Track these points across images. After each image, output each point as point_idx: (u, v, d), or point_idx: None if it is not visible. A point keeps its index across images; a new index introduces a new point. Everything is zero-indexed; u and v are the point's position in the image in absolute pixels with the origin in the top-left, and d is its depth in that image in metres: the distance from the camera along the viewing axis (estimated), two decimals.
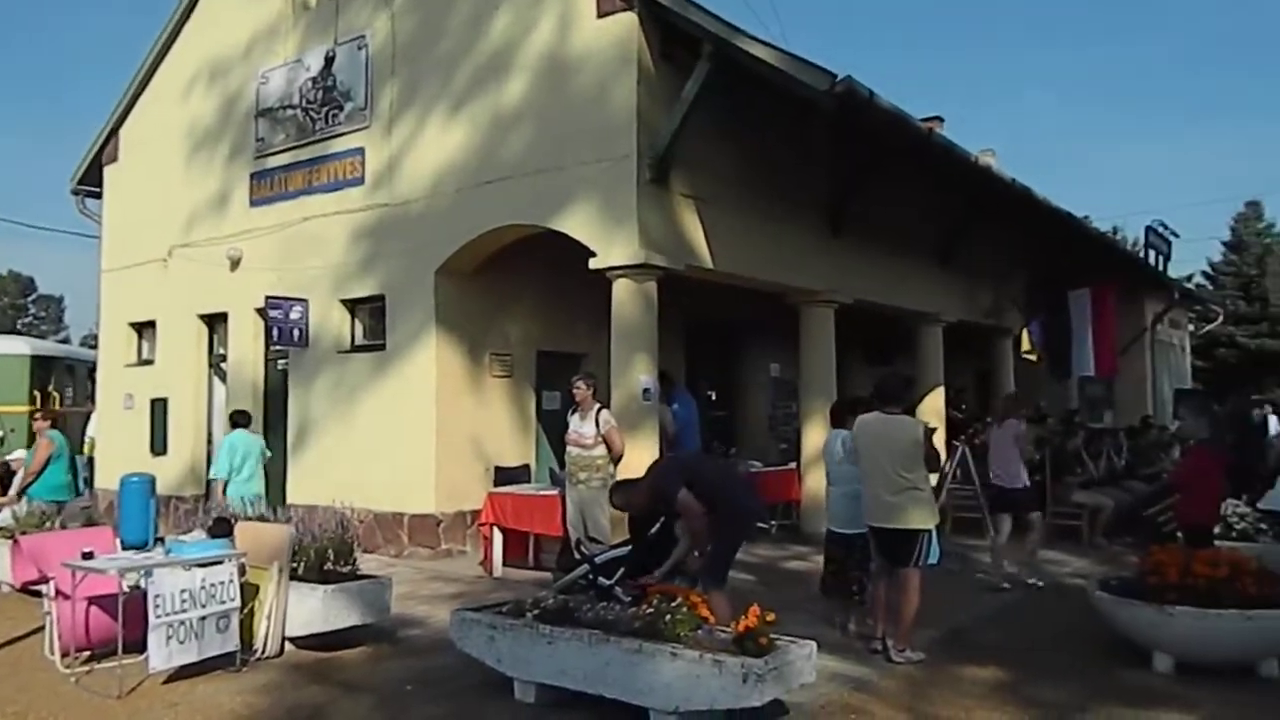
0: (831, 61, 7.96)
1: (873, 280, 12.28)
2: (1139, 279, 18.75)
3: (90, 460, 14.50)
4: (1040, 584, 8.59)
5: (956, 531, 11.03)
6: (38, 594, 6.79)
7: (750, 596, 5.76)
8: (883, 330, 15.41)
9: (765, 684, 4.59)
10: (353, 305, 11.09)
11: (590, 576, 5.93)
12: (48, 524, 8.30)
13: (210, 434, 12.84)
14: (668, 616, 4.92)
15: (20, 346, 18.86)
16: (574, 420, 8.25)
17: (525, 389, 11.10)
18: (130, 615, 5.64)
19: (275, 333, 11.01)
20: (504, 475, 10.15)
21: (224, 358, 12.60)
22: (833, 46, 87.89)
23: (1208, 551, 6.31)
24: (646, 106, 8.86)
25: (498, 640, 5.38)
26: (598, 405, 8.18)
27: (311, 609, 6.26)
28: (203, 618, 5.69)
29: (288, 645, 6.30)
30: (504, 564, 9.25)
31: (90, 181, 14.40)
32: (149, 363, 13.49)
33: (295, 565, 6.42)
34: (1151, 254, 18.94)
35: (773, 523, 11.41)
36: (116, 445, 13.46)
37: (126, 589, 5.83)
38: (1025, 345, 15.17)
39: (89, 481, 14.13)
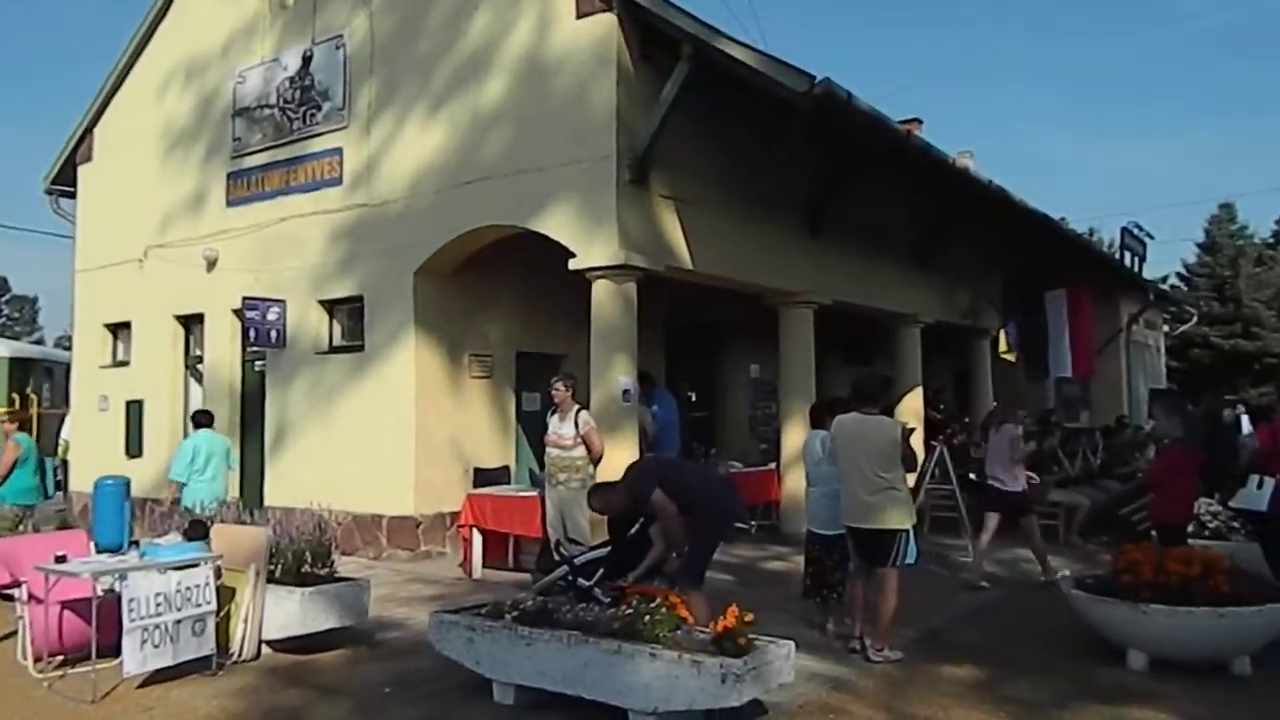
0: (811, 63, 8.06)
1: (851, 281, 12.34)
2: (1115, 280, 18.95)
3: (65, 463, 14.35)
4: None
5: (934, 531, 11.13)
6: (10, 598, 6.71)
7: (729, 597, 5.78)
8: (861, 331, 15.50)
9: (744, 684, 4.61)
10: (331, 306, 11.03)
11: (569, 578, 5.93)
12: (20, 527, 8.20)
13: (186, 436, 12.71)
14: (647, 617, 4.92)
15: None
16: (553, 421, 8.24)
17: (505, 390, 11.08)
18: (104, 619, 5.58)
19: (252, 334, 10.94)
20: (483, 477, 10.13)
21: (200, 359, 12.50)
22: (813, 48, 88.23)
23: (1181, 550, 6.38)
24: (626, 107, 8.87)
25: (477, 642, 5.36)
26: (577, 406, 8.18)
27: (289, 612, 6.21)
28: (178, 621, 5.64)
29: (265, 648, 6.25)
30: (483, 565, 9.23)
31: (64, 181, 14.26)
32: (124, 364, 13.36)
33: (272, 568, 6.37)
34: (1127, 255, 19.14)
35: (752, 523, 11.42)
36: (91, 447, 13.32)
37: (100, 592, 5.78)
38: (1003, 346, 15.30)
39: (61, 484, 13.99)
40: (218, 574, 6.06)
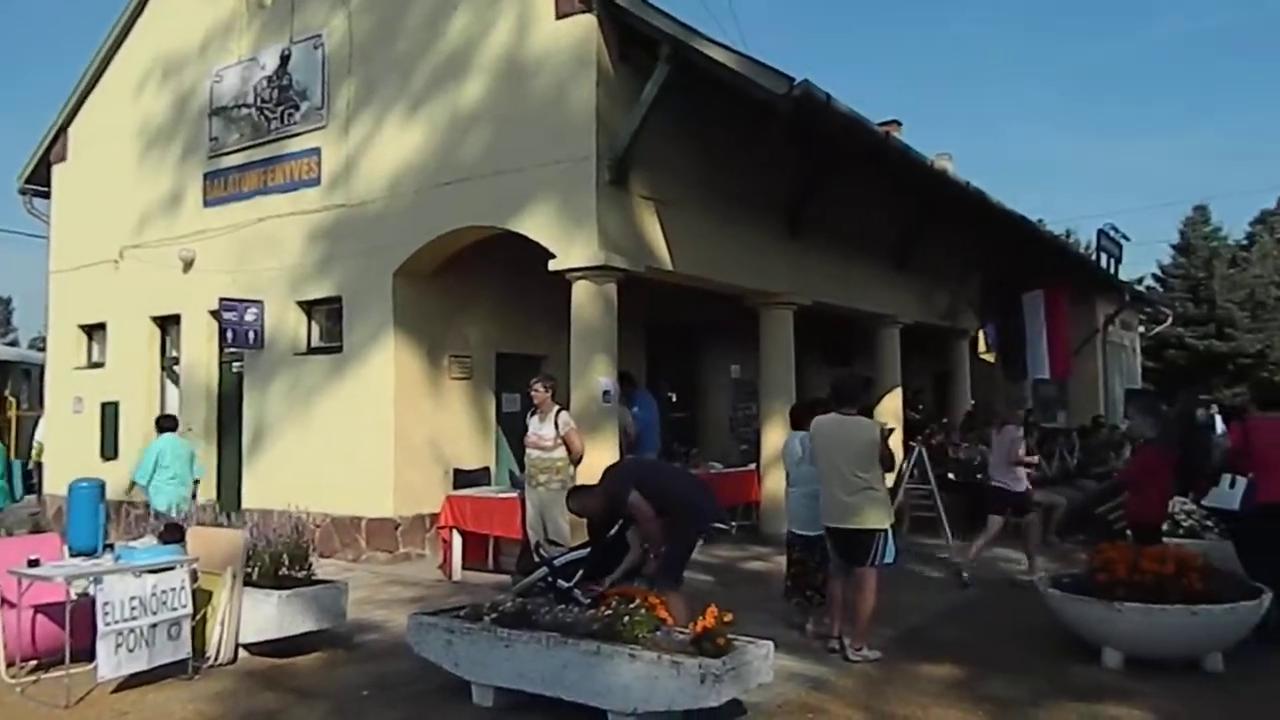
0: (798, 64, 8.11)
1: (831, 282, 12.39)
2: (1091, 281, 19.10)
3: (39, 465, 14.19)
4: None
5: (913, 531, 11.19)
6: None
7: (709, 597, 5.78)
8: (841, 332, 15.57)
9: (723, 684, 4.61)
10: (309, 307, 10.97)
11: (549, 579, 5.93)
12: None
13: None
14: (626, 618, 4.92)
15: None
16: (533, 422, 8.23)
17: (485, 391, 11.05)
18: (78, 623, 5.52)
19: (230, 335, 10.86)
20: (463, 478, 10.10)
21: (177, 360, 12.39)
22: (801, 48, 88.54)
23: (1155, 548, 6.43)
24: (605, 108, 8.87)
25: (455, 644, 5.34)
26: (557, 407, 8.17)
27: (266, 615, 6.17)
28: (153, 625, 5.58)
29: (241, 652, 6.20)
30: (463, 567, 9.21)
31: (38, 181, 14.10)
32: (99, 366, 13.23)
33: (249, 571, 6.32)
34: (1103, 257, 19.27)
35: (732, 524, 11.44)
36: (66, 450, 13.19)
37: (74, 596, 5.72)
38: (982, 347, 15.39)
39: (33, 487, 13.83)
40: (194, 577, 6.01)
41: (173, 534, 6.58)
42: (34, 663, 5.94)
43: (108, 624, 5.39)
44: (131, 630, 5.48)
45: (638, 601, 5.12)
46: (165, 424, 10.05)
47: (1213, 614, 5.80)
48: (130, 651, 5.48)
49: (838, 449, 6.25)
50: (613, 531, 6.17)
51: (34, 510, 13.18)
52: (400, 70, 10.19)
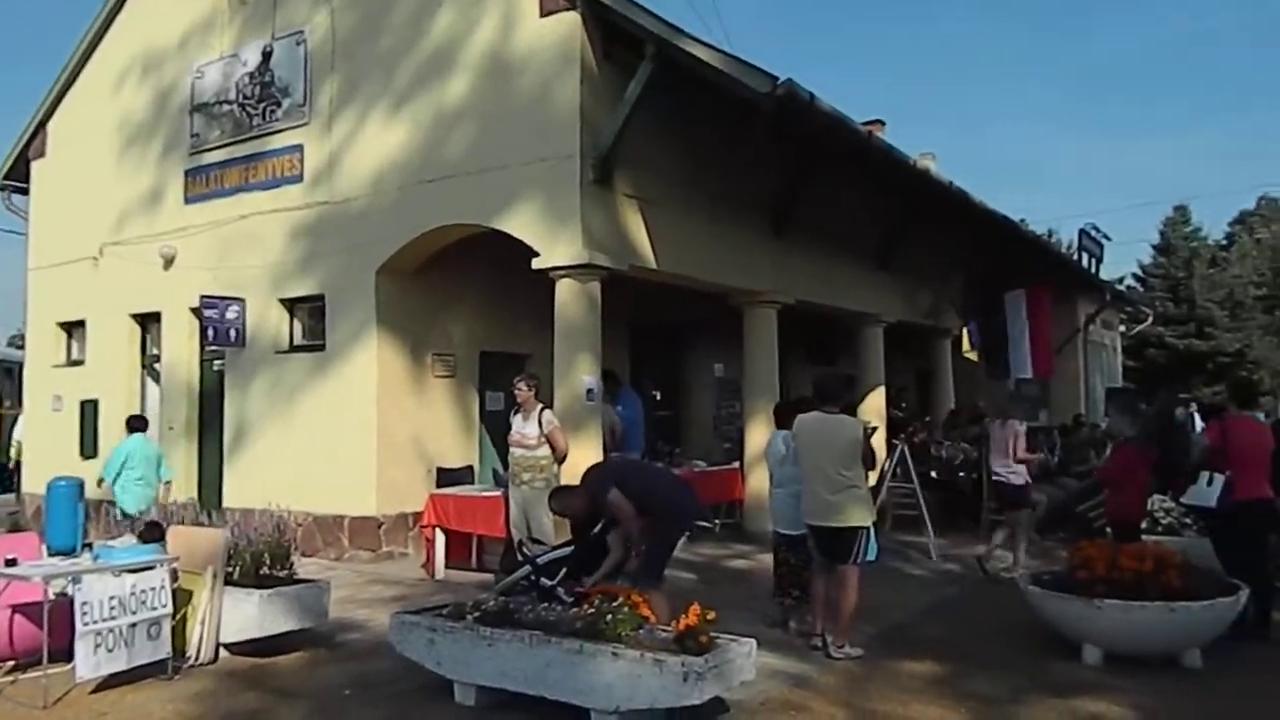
0: (778, 64, 8.13)
1: (815, 281, 12.43)
2: (1072, 281, 19.23)
3: (18, 464, 14.07)
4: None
5: (895, 528, 11.24)
6: None
7: (692, 595, 5.79)
8: (825, 331, 15.61)
9: (705, 682, 4.62)
10: (291, 305, 10.91)
11: (532, 577, 5.92)
12: None
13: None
14: (609, 616, 4.92)
15: None
16: (516, 421, 8.21)
17: (468, 389, 11.02)
18: (56, 623, 5.48)
19: (211, 333, 10.78)
20: (447, 476, 10.07)
21: (158, 358, 12.31)
22: (791, 47, 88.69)
23: (1134, 546, 6.48)
24: (590, 106, 8.86)
25: (438, 643, 5.33)
26: (540, 405, 8.15)
27: (247, 614, 6.14)
28: (133, 625, 5.55)
29: (222, 651, 6.16)
30: (446, 566, 9.19)
31: (17, 177, 13.99)
32: (79, 363, 13.11)
33: (230, 570, 6.28)
34: (1084, 256, 19.42)
35: (716, 522, 11.48)
36: (45, 448, 13.07)
37: (53, 596, 5.67)
38: (966, 346, 15.45)
39: (11, 486, 13.73)
40: (174, 576, 5.97)
41: (153, 533, 6.54)
42: (11, 663, 5.89)
43: (86, 624, 5.34)
44: (110, 630, 5.44)
45: (621, 600, 5.12)
46: (135, 424, 10.01)
47: (1191, 611, 5.86)
48: (109, 651, 5.44)
49: (821, 447, 6.27)
50: (595, 530, 6.17)
51: (13, 509, 13.07)
52: (384, 67, 10.15)
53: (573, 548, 6.30)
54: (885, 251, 14.26)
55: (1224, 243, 43.92)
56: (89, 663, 5.37)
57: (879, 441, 10.50)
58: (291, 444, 10.46)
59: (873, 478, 8.23)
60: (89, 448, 12.56)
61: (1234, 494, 6.85)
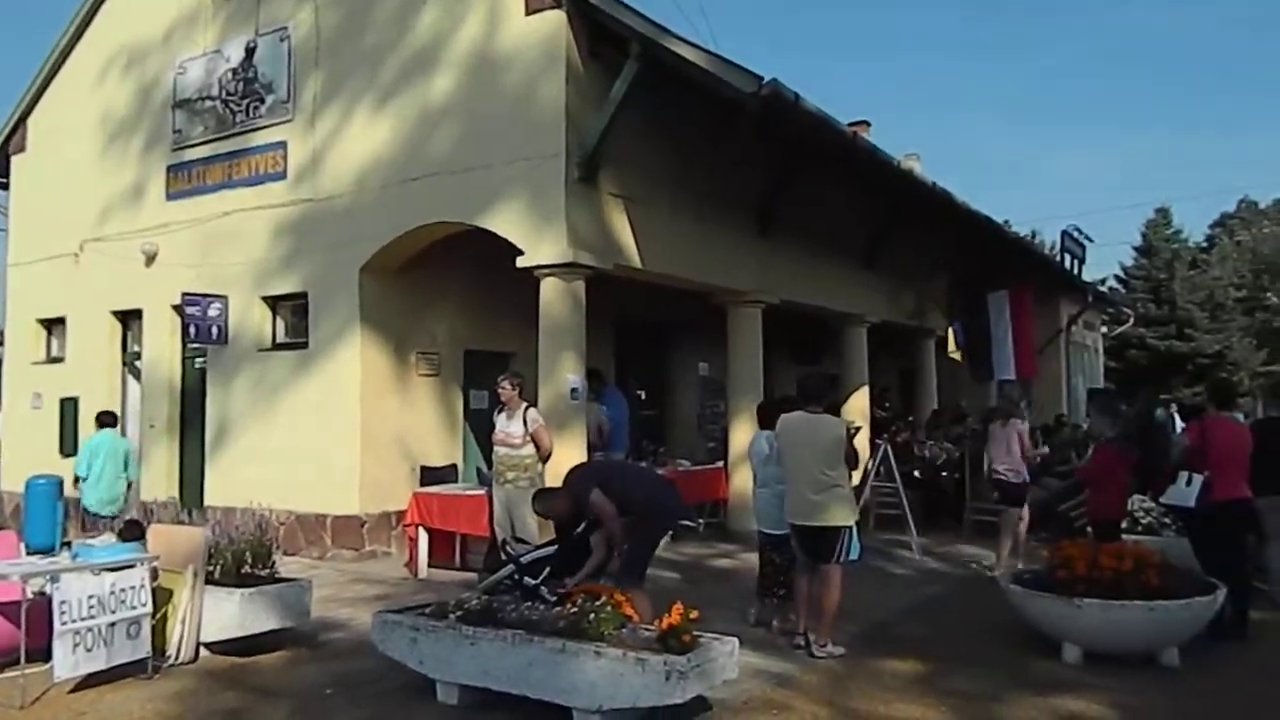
0: (767, 65, 8.15)
1: (799, 281, 12.45)
2: (1055, 282, 19.36)
3: None
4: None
5: (878, 528, 11.29)
6: None
7: (675, 594, 5.79)
8: (809, 330, 15.64)
9: (688, 681, 4.62)
10: (274, 302, 10.85)
11: (516, 577, 5.91)
12: None
13: (124, 435, 12.43)
14: (591, 616, 4.92)
15: None
16: (501, 420, 8.19)
17: (452, 388, 10.99)
18: (34, 622, 5.42)
19: (193, 330, 10.71)
20: (430, 475, 10.04)
21: (139, 355, 12.22)
22: (768, 48, 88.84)
23: (1113, 545, 6.53)
24: (575, 105, 8.85)
25: (420, 642, 5.31)
26: (525, 404, 8.13)
27: (228, 613, 6.10)
28: (112, 624, 5.50)
29: (203, 651, 6.12)
30: (430, 565, 9.16)
31: None
32: (59, 360, 13.01)
33: (211, 568, 6.25)
34: (1067, 258, 19.57)
35: (700, 521, 11.50)
36: (24, 446, 12.95)
37: (31, 595, 5.62)
38: (951, 346, 15.54)
39: None
40: (154, 575, 5.93)
41: (133, 531, 6.50)
42: None
43: (65, 623, 5.30)
44: (89, 629, 5.39)
45: (603, 599, 5.12)
46: (104, 420, 9.97)
47: (1169, 610, 5.90)
48: (88, 651, 5.39)
49: (804, 447, 6.28)
50: (579, 530, 6.17)
51: None
52: (368, 64, 10.11)
53: (556, 547, 6.30)
54: (870, 252, 14.30)
55: (1204, 245, 44.32)
56: (67, 662, 5.32)
57: (863, 441, 10.55)
58: (274, 442, 10.40)
59: (856, 477, 8.27)
60: (69, 446, 12.43)
61: (1212, 494, 6.91)
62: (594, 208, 9.13)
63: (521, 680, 4.91)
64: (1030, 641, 6.36)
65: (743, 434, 10.65)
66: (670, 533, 7.11)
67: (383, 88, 9.97)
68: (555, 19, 8.89)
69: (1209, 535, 6.99)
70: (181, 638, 5.99)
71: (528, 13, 9.04)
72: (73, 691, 5.46)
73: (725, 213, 11.01)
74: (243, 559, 6.42)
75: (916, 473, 12.51)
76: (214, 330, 10.78)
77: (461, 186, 9.32)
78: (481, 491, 8.78)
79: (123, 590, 5.60)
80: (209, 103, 11.33)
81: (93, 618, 5.41)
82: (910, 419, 15.46)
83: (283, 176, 10.66)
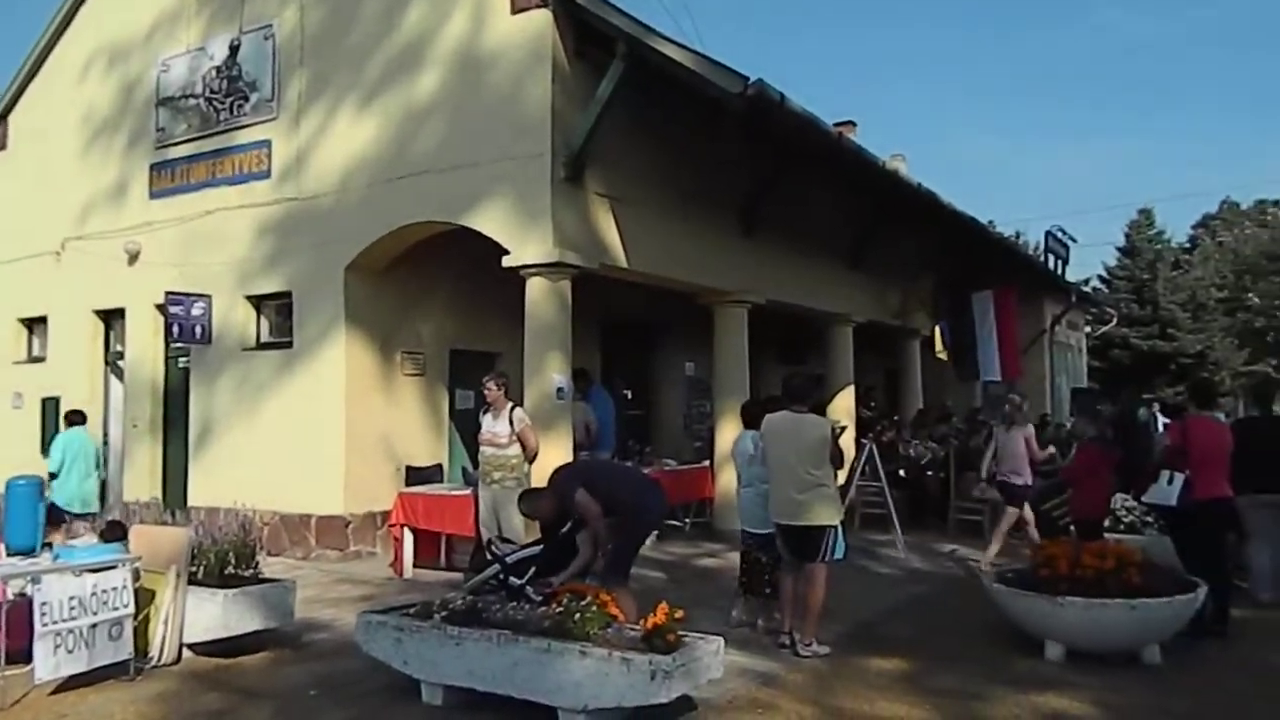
0: (755, 65, 8.18)
1: (785, 281, 12.48)
2: (1039, 282, 19.46)
3: None
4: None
5: (863, 527, 11.33)
6: None
7: (661, 594, 5.80)
8: (795, 330, 15.68)
9: (673, 680, 4.63)
10: (258, 302, 10.80)
11: (501, 576, 5.90)
12: None
13: (106, 435, 12.36)
14: (577, 615, 4.92)
15: None
16: (486, 420, 8.15)
17: (438, 388, 10.96)
18: (15, 624, 5.37)
19: (176, 329, 10.65)
20: (416, 475, 10.02)
21: (121, 355, 12.14)
22: (757, 49, 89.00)
23: (1096, 544, 6.57)
24: (561, 104, 8.84)
25: (405, 642, 5.30)
26: (511, 404, 8.11)
27: (211, 614, 6.07)
28: (93, 625, 5.46)
29: (186, 652, 6.09)
30: (415, 565, 9.14)
31: None
32: (40, 360, 12.91)
33: (194, 569, 6.21)
34: (1051, 258, 19.68)
35: (686, 520, 11.53)
36: (4, 446, 12.81)
37: (11, 596, 5.58)
38: (938, 346, 15.60)
39: None
40: (136, 576, 5.89)
41: (114, 532, 6.46)
42: None
43: (45, 624, 5.26)
44: (70, 631, 5.36)
45: (589, 599, 5.12)
46: (74, 418, 9.93)
47: (1150, 608, 5.95)
48: (69, 652, 5.36)
49: (790, 446, 6.30)
50: (564, 530, 6.17)
51: None
52: (353, 62, 10.07)
53: (542, 547, 6.29)
54: (855, 252, 14.35)
55: (1187, 246, 44.64)
56: (48, 664, 5.28)
57: (848, 441, 10.57)
58: (258, 442, 10.35)
59: (841, 476, 8.30)
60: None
61: (1194, 493, 6.96)
62: (580, 207, 9.13)
63: (506, 680, 4.91)
64: (1014, 640, 6.40)
65: (728, 434, 10.65)
66: (655, 532, 7.11)
67: (368, 86, 9.93)
68: (541, 18, 8.88)
69: (1190, 534, 7.05)
70: (164, 639, 5.96)
71: (513, 11, 9.02)
72: (54, 693, 5.42)
73: (711, 212, 11.03)
74: (226, 559, 6.38)
75: (901, 472, 12.57)
76: (197, 330, 10.72)
77: (447, 186, 9.30)
78: (466, 491, 8.76)
79: (104, 591, 5.56)
80: (192, 101, 11.26)
81: (74, 619, 5.38)
82: (895, 418, 15.53)
83: (267, 175, 10.61)
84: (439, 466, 10.56)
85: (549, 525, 6.34)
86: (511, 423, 7.97)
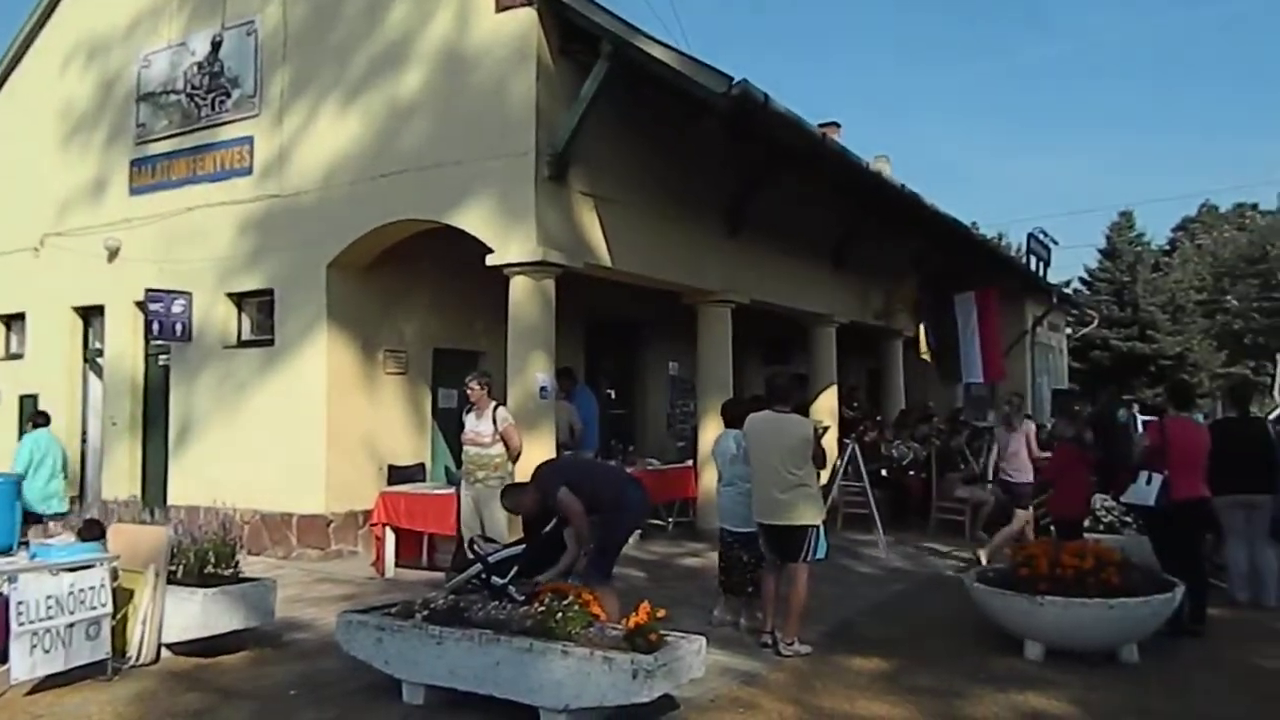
0: (742, 66, 8.19)
1: (769, 281, 12.50)
2: (1021, 284, 19.58)
3: None
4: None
5: (846, 526, 11.37)
6: None
7: (643, 593, 5.81)
8: (779, 330, 15.72)
9: (655, 679, 4.63)
10: (239, 299, 10.73)
11: (483, 575, 5.89)
12: None
13: (85, 433, 12.27)
14: (559, 615, 4.91)
15: None
16: (470, 419, 8.14)
17: (421, 386, 10.92)
18: None
19: (156, 327, 10.57)
20: (398, 474, 9.98)
21: (100, 352, 12.03)
22: (747, 50, 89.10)
23: (1075, 543, 6.63)
24: (545, 103, 8.82)
25: (386, 642, 5.28)
26: (494, 403, 8.10)
27: (190, 613, 6.02)
28: (71, 625, 5.42)
29: (164, 652, 6.04)
30: (396, 565, 9.10)
31: None
32: (18, 357, 12.78)
33: (174, 568, 6.17)
34: (1033, 260, 19.81)
35: (669, 520, 11.53)
36: None
37: None
38: (923, 347, 15.67)
39: None
40: (114, 575, 5.84)
41: (92, 531, 6.40)
42: None
43: (22, 624, 5.21)
44: (47, 630, 5.31)
45: (571, 598, 5.12)
46: (39, 419, 9.89)
47: (1128, 607, 6.00)
48: (46, 652, 5.31)
49: (772, 446, 6.31)
50: (548, 528, 6.16)
51: None
52: (336, 59, 10.02)
53: (524, 546, 6.28)
54: (839, 252, 14.40)
55: (1167, 248, 45.05)
56: (24, 664, 5.24)
57: (831, 441, 10.62)
58: (239, 440, 10.29)
59: (824, 476, 8.32)
60: None
61: (1172, 493, 7.03)
62: (564, 206, 9.11)
63: (488, 680, 4.90)
64: (993, 639, 6.44)
65: (712, 433, 10.62)
66: (638, 531, 7.11)
67: (351, 83, 9.89)
68: (526, 16, 8.85)
69: (1168, 533, 7.11)
70: (142, 638, 5.91)
71: (498, 9, 8.99)
72: (30, 694, 5.37)
73: (695, 212, 11.03)
74: (206, 558, 6.34)
75: (884, 472, 12.62)
76: (177, 327, 10.64)
77: (430, 184, 9.27)
78: (449, 491, 8.73)
79: (82, 591, 5.51)
80: (173, 96, 11.18)
81: (51, 619, 5.33)
82: (878, 418, 15.59)
83: (249, 172, 10.54)
84: (421, 466, 10.53)
85: (531, 521, 6.34)
86: (495, 422, 7.96)
